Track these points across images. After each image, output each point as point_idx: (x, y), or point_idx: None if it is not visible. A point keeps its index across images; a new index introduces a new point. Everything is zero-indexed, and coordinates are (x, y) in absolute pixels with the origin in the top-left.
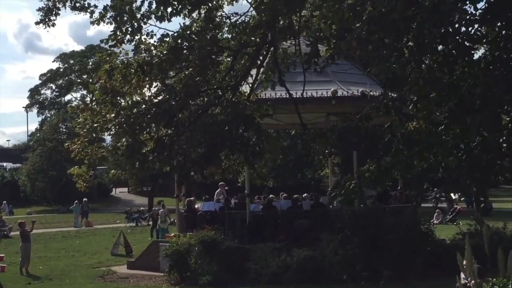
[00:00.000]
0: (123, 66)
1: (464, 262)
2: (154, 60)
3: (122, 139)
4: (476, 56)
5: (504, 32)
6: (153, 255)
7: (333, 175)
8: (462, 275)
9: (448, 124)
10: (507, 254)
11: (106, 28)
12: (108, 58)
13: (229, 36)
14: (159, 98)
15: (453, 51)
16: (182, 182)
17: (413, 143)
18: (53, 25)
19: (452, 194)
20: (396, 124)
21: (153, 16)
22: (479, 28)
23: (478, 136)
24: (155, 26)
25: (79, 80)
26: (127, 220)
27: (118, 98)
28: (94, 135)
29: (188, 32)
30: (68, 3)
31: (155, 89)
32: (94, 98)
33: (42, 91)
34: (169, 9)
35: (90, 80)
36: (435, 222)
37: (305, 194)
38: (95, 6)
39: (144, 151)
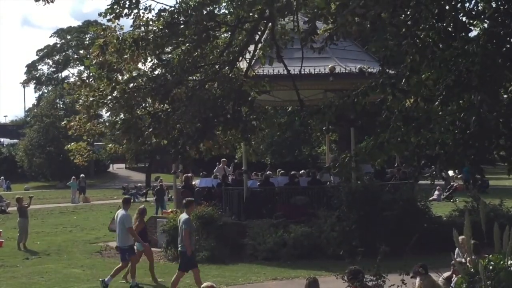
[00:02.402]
0: (117, 41)
1: (461, 238)
2: (149, 35)
3: (119, 114)
4: (474, 33)
5: (501, 7)
6: (151, 231)
7: (330, 152)
8: (458, 252)
9: (444, 101)
10: (503, 230)
11: (103, 4)
12: (102, 33)
13: (227, 11)
14: (155, 73)
15: (450, 28)
16: (177, 157)
17: (410, 120)
18: (52, 1)
19: (450, 172)
20: (392, 100)
21: None
22: (477, 3)
23: (475, 114)
24: (153, 0)
25: (76, 56)
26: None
27: (115, 74)
28: (92, 111)
29: (185, 6)
30: None
31: (151, 63)
32: (91, 74)
33: (39, 67)
34: None
35: (87, 56)
36: (435, 198)
37: (302, 171)
38: None
39: (140, 125)
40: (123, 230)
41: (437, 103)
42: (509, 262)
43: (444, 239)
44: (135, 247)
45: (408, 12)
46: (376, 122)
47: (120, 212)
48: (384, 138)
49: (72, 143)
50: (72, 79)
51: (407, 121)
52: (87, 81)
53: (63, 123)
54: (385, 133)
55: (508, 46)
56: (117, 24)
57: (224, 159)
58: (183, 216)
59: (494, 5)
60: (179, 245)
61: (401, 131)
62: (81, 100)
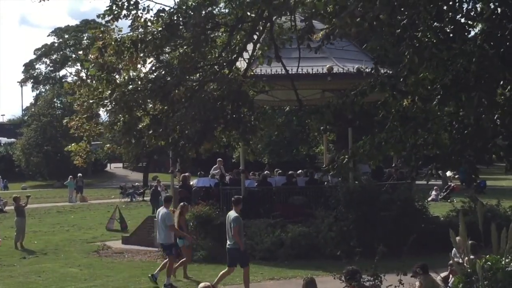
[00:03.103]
0: (115, 43)
1: (458, 238)
2: (147, 37)
3: (118, 116)
4: (472, 33)
5: (499, 9)
6: (148, 230)
7: (328, 152)
8: (455, 252)
9: (442, 101)
10: (500, 231)
11: (101, 4)
12: (101, 35)
13: (226, 11)
14: (155, 74)
15: (448, 29)
16: (176, 159)
17: (408, 120)
18: None
19: (447, 172)
20: (390, 100)
21: None
22: (475, 4)
23: (473, 114)
24: (152, 1)
25: (74, 55)
26: (122, 196)
27: (114, 74)
28: (92, 112)
29: (184, 7)
30: None
31: (150, 65)
32: (89, 74)
33: (37, 66)
34: None
35: (86, 58)
36: (432, 198)
37: (300, 171)
38: None
39: (139, 127)
40: (165, 228)
41: (434, 103)
42: (507, 261)
43: (441, 239)
44: (178, 244)
45: (406, 13)
46: (374, 122)
47: (162, 210)
48: (381, 138)
49: (73, 144)
50: (70, 79)
51: (404, 121)
52: (87, 80)
53: (64, 121)
54: (382, 133)
55: (505, 47)
56: (116, 26)
57: (220, 158)
58: (232, 213)
59: (492, 6)
60: (227, 243)
61: (399, 131)
62: (78, 101)
